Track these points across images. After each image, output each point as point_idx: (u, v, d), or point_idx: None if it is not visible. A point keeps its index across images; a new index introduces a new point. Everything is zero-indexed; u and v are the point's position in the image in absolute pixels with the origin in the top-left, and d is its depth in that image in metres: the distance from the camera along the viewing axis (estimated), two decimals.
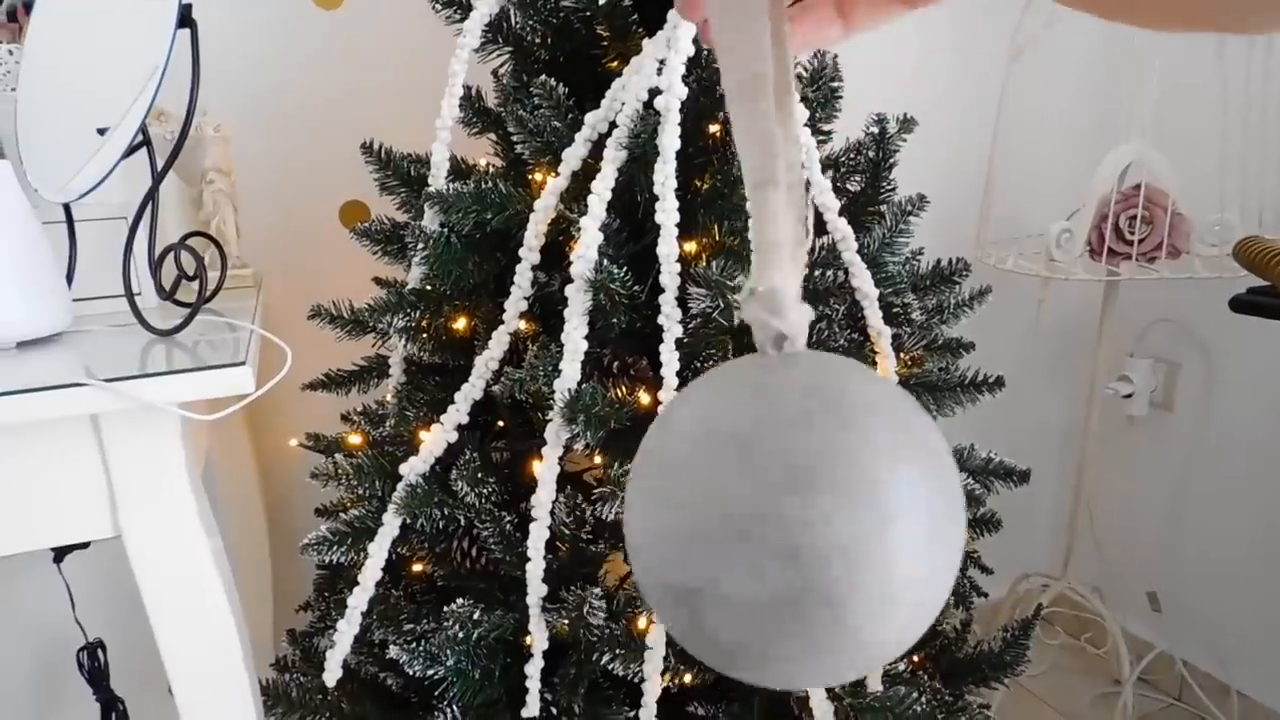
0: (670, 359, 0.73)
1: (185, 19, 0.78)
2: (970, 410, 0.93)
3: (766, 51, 0.20)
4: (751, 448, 0.20)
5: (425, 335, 0.88)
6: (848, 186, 0.90)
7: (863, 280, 0.78)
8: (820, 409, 0.20)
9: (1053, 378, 1.75)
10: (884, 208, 0.87)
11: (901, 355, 0.86)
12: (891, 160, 0.86)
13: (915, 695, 0.78)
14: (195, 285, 0.82)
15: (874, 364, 0.81)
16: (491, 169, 0.90)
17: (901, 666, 0.88)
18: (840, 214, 0.80)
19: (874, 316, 0.79)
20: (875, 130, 0.86)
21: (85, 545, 1.09)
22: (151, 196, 0.81)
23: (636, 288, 0.73)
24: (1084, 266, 1.29)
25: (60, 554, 1.08)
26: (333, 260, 1.26)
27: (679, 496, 0.21)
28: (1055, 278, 1.29)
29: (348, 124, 1.22)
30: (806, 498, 0.19)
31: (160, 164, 0.81)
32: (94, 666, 1.10)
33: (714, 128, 0.81)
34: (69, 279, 0.88)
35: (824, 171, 0.80)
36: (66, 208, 0.88)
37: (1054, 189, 1.48)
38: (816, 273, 0.78)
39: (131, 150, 0.82)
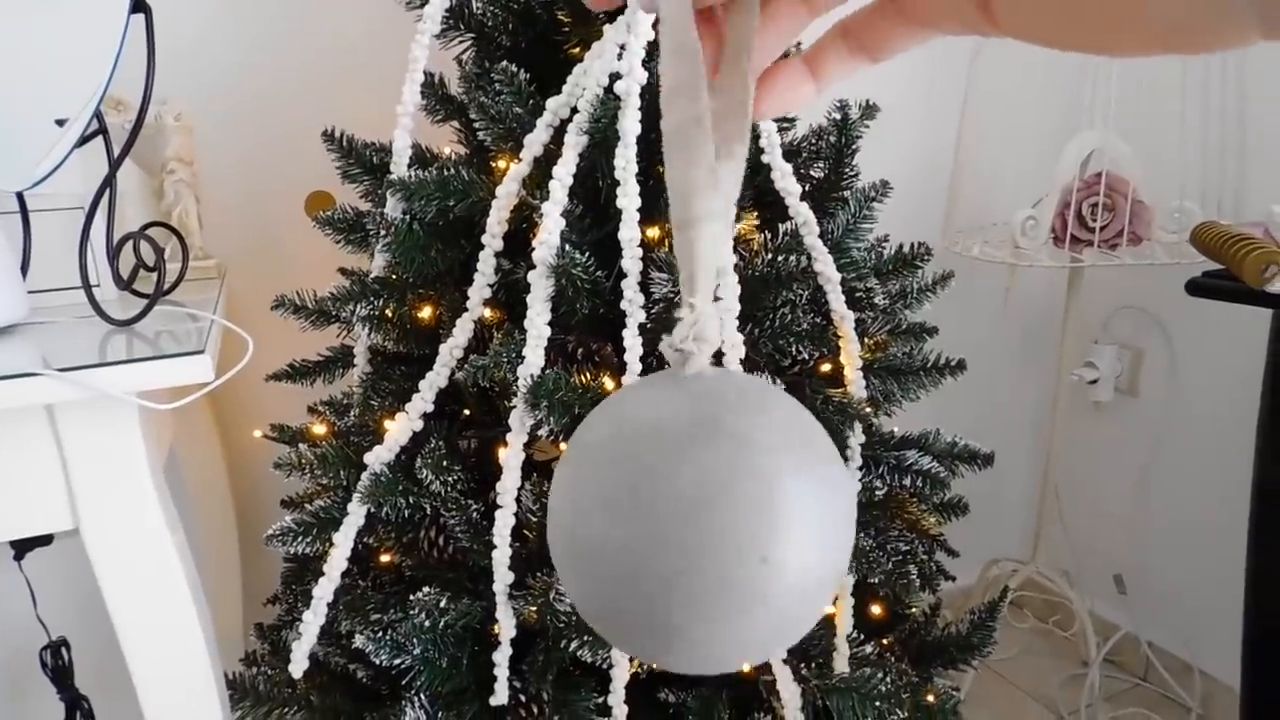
0: (634, 344, 0.73)
1: (139, 4, 0.77)
2: (938, 397, 0.94)
3: (702, 104, 0.21)
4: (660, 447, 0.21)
5: (389, 324, 0.87)
6: (811, 173, 0.91)
7: (825, 265, 0.78)
8: (715, 427, 0.21)
9: (1020, 365, 1.77)
10: (847, 194, 0.88)
11: (865, 340, 0.86)
12: (854, 146, 0.87)
13: (881, 675, 0.79)
14: (155, 276, 0.81)
15: (838, 348, 0.82)
16: (455, 157, 0.90)
17: (869, 649, 0.89)
18: (803, 199, 0.81)
19: (837, 301, 0.79)
20: (838, 116, 0.87)
21: (48, 542, 1.07)
22: (108, 183, 0.79)
23: (599, 273, 0.73)
24: (1048, 254, 1.31)
25: (21, 551, 1.06)
26: (298, 252, 1.25)
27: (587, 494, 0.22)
28: (1020, 265, 1.30)
29: (312, 114, 1.21)
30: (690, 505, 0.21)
31: (117, 152, 0.80)
32: (58, 665, 1.09)
33: None
34: (24, 269, 0.86)
35: (787, 158, 0.80)
36: (20, 197, 0.86)
37: (1020, 177, 1.50)
38: (779, 258, 0.78)
39: (86, 139, 0.81)
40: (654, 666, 0.85)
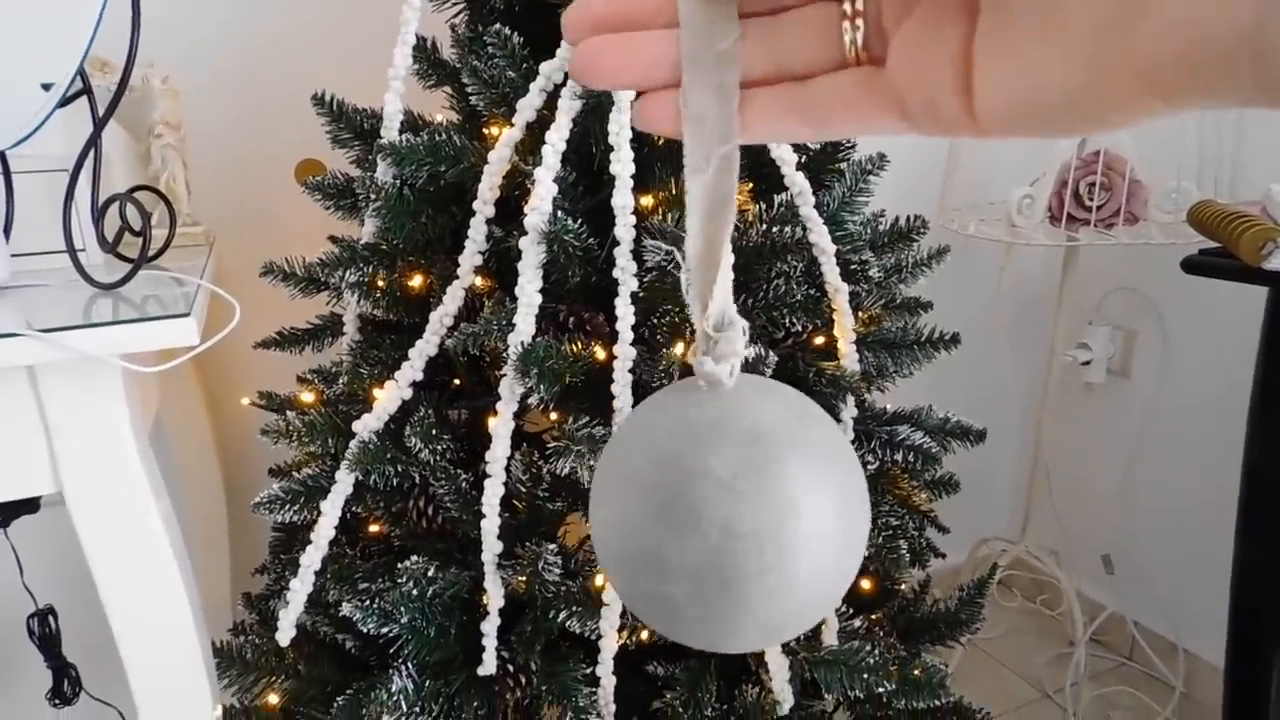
0: (625, 313, 0.72)
1: None
2: (932, 376, 0.94)
3: (732, 132, 0.22)
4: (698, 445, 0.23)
5: (380, 292, 0.86)
6: (806, 144, 0.90)
7: (820, 235, 0.77)
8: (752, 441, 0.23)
9: (1014, 344, 1.77)
10: (844, 166, 0.87)
11: (860, 313, 0.86)
12: None
13: (869, 648, 0.79)
14: (141, 240, 0.79)
15: (831, 320, 0.81)
16: (447, 123, 0.88)
17: (857, 623, 0.89)
18: (798, 170, 0.80)
19: (831, 273, 0.79)
20: None
21: (34, 509, 1.07)
22: (93, 143, 0.78)
23: (591, 240, 0.72)
24: (1044, 232, 1.30)
25: (7, 518, 1.05)
26: (288, 219, 1.23)
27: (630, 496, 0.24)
28: (1016, 243, 1.30)
29: (302, 79, 1.19)
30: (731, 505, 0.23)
31: (101, 112, 0.78)
32: (45, 633, 1.08)
33: None
34: (6, 232, 0.85)
35: None
36: (2, 158, 0.85)
37: (1018, 155, 1.48)
38: (774, 229, 0.78)
39: (70, 99, 0.79)
40: (641, 638, 0.85)
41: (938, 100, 0.21)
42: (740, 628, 0.23)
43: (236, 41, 1.19)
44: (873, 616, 0.99)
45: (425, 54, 0.88)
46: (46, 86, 0.81)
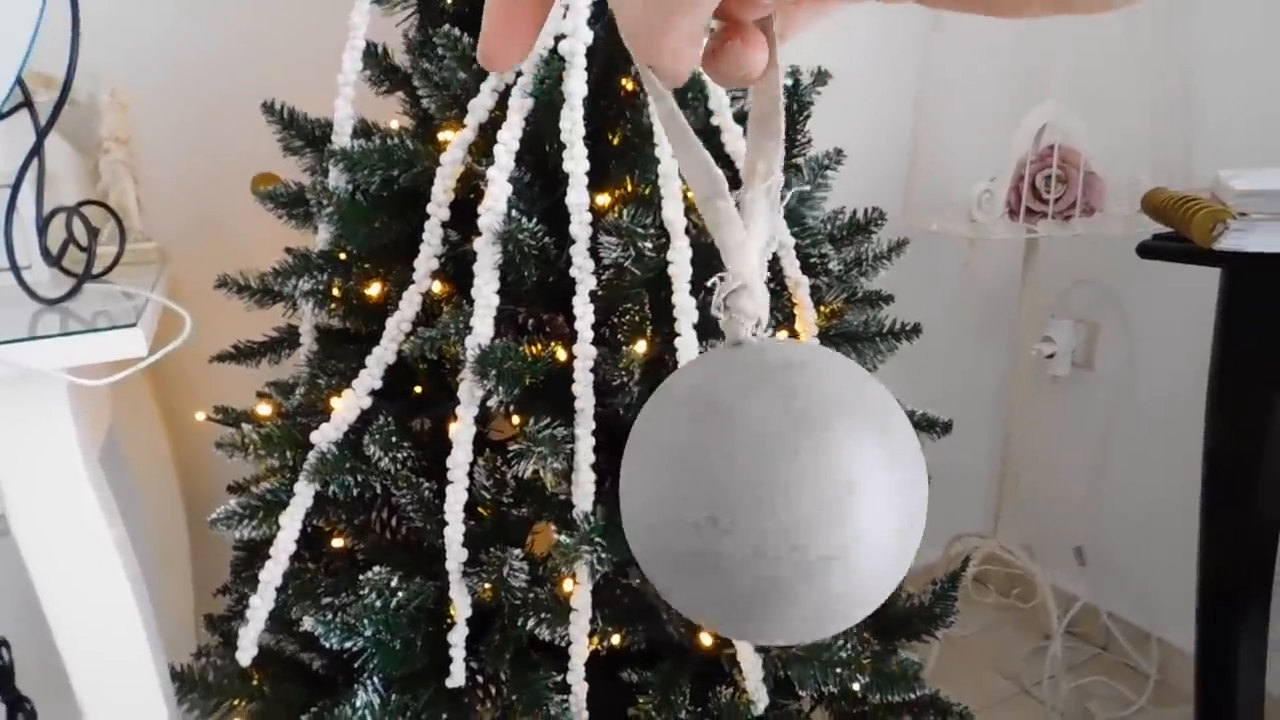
0: (584, 312, 0.71)
1: None
2: (898, 373, 0.93)
3: (668, 101, 0.22)
4: (732, 419, 0.21)
5: (335, 301, 0.85)
6: None
7: (778, 229, 0.77)
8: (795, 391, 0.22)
9: (980, 340, 1.78)
10: (800, 161, 0.87)
11: (821, 307, 0.86)
12: (806, 112, 0.86)
13: (841, 644, 0.78)
14: (94, 256, 0.78)
15: (793, 315, 0.81)
16: (400, 127, 0.87)
17: None
18: None
19: (791, 266, 0.79)
20: (789, 82, 0.86)
21: None
22: (35, 153, 0.76)
23: (548, 239, 0.72)
24: (1004, 226, 1.31)
25: None
26: (245, 234, 1.21)
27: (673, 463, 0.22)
28: (976, 238, 1.31)
29: (254, 90, 1.17)
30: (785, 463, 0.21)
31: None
32: None
33: (626, 81, 0.79)
34: None
35: (738, 122, 0.79)
36: None
37: (978, 152, 1.50)
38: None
39: (6, 113, 0.78)
40: (613, 644, 0.84)
41: None
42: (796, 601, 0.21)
43: (186, 53, 1.17)
44: None
45: (376, 59, 0.87)
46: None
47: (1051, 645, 1.51)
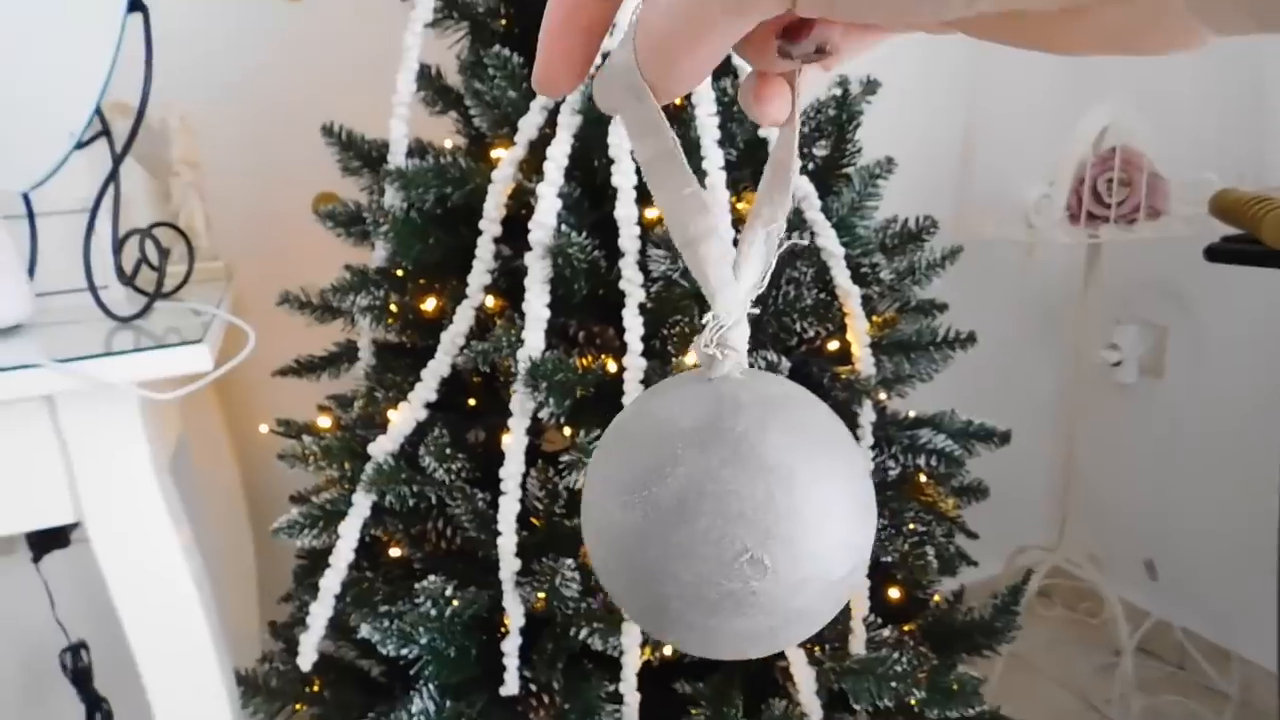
0: (634, 324, 0.72)
1: (136, 3, 0.77)
2: (957, 382, 0.92)
3: (667, 139, 0.22)
4: (704, 443, 0.22)
5: (392, 317, 0.87)
6: (814, 151, 0.89)
7: (828, 240, 0.77)
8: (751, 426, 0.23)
9: (1042, 347, 1.74)
10: (850, 171, 0.87)
11: (874, 317, 0.85)
12: (856, 122, 0.85)
13: (896, 656, 0.77)
14: (164, 275, 0.81)
15: (844, 325, 0.80)
16: (453, 146, 0.89)
17: (886, 633, 0.87)
18: (809, 178, 0.79)
19: (841, 276, 0.78)
20: (838, 92, 0.85)
21: (65, 544, 1.08)
22: (112, 178, 0.80)
23: (597, 253, 0.72)
24: (1064, 231, 1.28)
25: (39, 553, 1.07)
26: (307, 252, 1.25)
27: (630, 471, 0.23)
28: (1034, 243, 1.28)
29: (319, 115, 1.21)
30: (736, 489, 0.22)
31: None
32: (77, 667, 1.10)
33: None
34: (31, 271, 0.87)
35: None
36: (26, 200, 0.87)
37: (1034, 155, 1.47)
38: (782, 235, 0.77)
39: (88, 142, 0.82)
40: (665, 655, 0.84)
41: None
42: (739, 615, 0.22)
43: (248, 78, 1.22)
44: (905, 627, 0.97)
45: (430, 80, 0.89)
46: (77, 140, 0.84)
47: (1122, 662, 1.46)
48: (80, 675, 1.09)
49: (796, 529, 0.22)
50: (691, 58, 0.20)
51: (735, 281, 0.24)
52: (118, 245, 0.82)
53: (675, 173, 0.23)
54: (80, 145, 0.81)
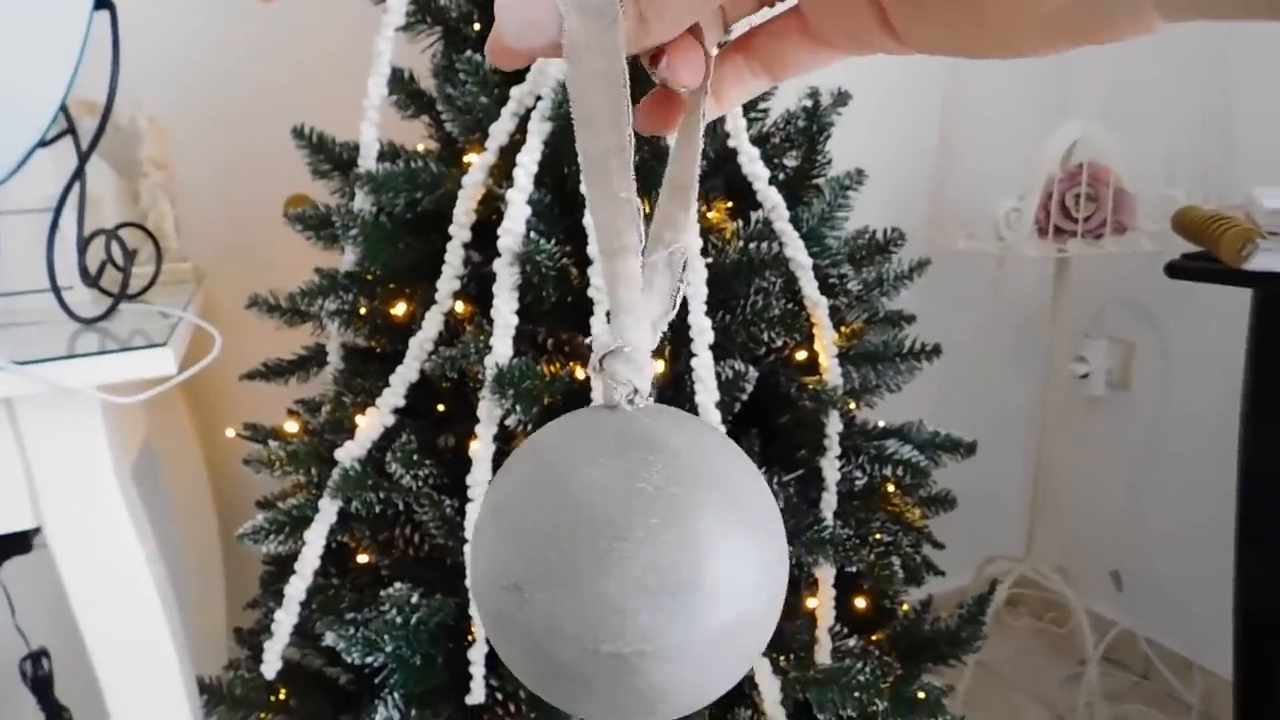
0: (601, 332, 0.72)
1: (102, 2, 0.77)
2: (927, 394, 0.93)
3: (621, 132, 0.21)
4: (586, 491, 0.20)
5: (361, 321, 0.86)
6: (785, 162, 0.90)
7: (796, 250, 0.77)
8: (658, 460, 0.21)
9: (1012, 360, 1.76)
10: (820, 182, 0.87)
11: (841, 328, 0.85)
12: (826, 133, 0.86)
13: (860, 666, 0.78)
14: (129, 277, 0.80)
15: (812, 335, 0.81)
16: (425, 150, 0.89)
17: (852, 643, 0.88)
18: (778, 189, 0.80)
19: (809, 287, 0.79)
20: (809, 104, 0.86)
21: (26, 550, 1.07)
22: (76, 176, 0.79)
23: (566, 260, 0.73)
24: (1033, 245, 1.30)
25: None
26: (278, 255, 1.24)
27: (514, 524, 0.21)
28: (1004, 256, 1.30)
29: (290, 116, 1.21)
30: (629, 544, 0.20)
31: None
32: (38, 676, 1.08)
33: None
34: None
35: (756, 145, 0.79)
36: None
37: (1005, 170, 1.49)
38: (751, 245, 0.78)
39: (51, 140, 0.81)
40: None
41: (869, 40, 0.23)
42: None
43: (220, 79, 1.21)
44: (873, 637, 0.97)
45: (402, 84, 0.89)
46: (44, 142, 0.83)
47: (1087, 671, 1.48)
48: (41, 684, 1.07)
49: (692, 573, 0.20)
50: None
51: (640, 307, 0.22)
52: (83, 245, 0.81)
53: (616, 174, 0.21)
54: (45, 143, 0.80)
